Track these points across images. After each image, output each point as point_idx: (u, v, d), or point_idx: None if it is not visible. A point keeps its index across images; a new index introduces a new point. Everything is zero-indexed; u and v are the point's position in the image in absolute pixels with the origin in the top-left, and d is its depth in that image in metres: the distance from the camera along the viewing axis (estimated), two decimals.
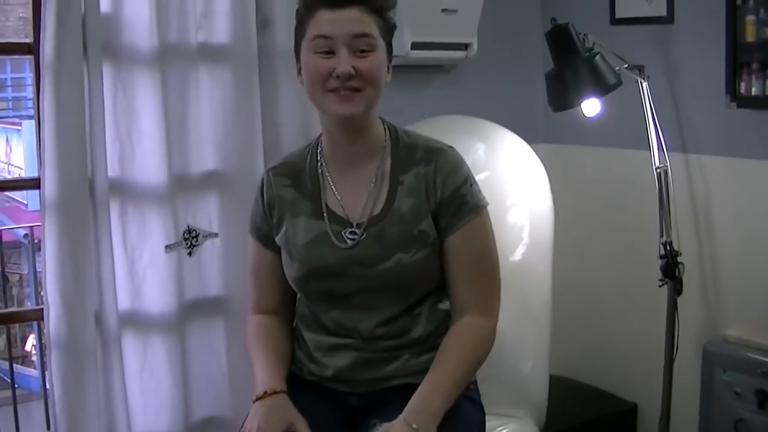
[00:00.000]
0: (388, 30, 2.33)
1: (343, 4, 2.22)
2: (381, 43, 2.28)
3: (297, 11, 2.34)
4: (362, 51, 2.24)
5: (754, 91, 3.36)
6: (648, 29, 3.76)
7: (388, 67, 2.34)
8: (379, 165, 2.38)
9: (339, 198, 2.38)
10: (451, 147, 2.40)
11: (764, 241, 3.44)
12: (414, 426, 2.15)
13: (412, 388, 2.29)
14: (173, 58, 2.98)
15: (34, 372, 10.27)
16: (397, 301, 2.35)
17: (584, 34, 3.24)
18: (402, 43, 3.50)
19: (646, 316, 3.71)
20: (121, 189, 2.95)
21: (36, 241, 7.74)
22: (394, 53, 3.32)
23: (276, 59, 3.11)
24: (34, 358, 10.68)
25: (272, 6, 3.13)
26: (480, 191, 2.39)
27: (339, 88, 2.23)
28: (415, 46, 3.53)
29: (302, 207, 2.40)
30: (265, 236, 2.47)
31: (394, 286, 2.33)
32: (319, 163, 2.43)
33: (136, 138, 2.95)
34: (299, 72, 2.35)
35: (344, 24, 2.22)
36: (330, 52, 2.23)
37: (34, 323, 7.33)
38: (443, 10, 3.54)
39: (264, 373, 2.34)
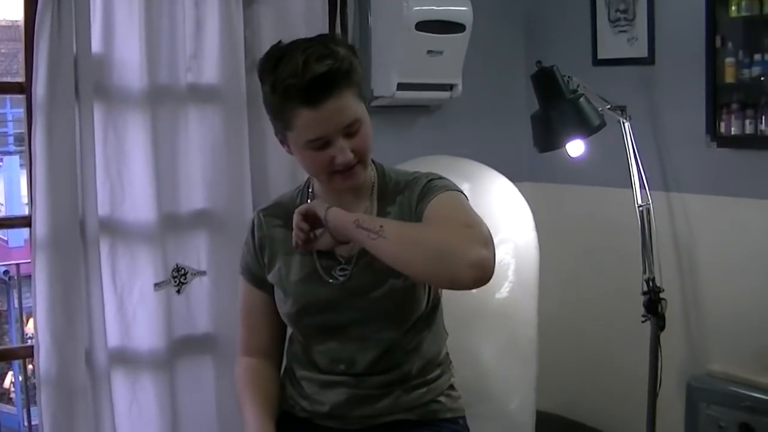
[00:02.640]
0: (363, 86, 2.30)
1: (322, 99, 2.17)
2: (362, 107, 2.27)
3: (264, 95, 2.28)
4: (354, 130, 2.24)
5: (734, 131, 3.43)
6: (630, 70, 3.82)
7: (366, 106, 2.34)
8: (367, 202, 2.41)
9: None
10: (430, 174, 2.42)
11: (745, 277, 3.49)
12: (327, 206, 2.24)
13: (403, 425, 2.31)
14: (163, 99, 3.02)
15: (13, 409, 10.19)
16: (392, 330, 2.37)
17: (568, 76, 3.29)
18: (388, 84, 3.56)
19: (630, 351, 3.74)
20: (112, 228, 2.98)
21: (18, 277, 7.73)
22: (379, 94, 3.38)
23: None
24: (12, 395, 10.59)
25: (261, 48, 3.16)
26: (453, 184, 2.38)
27: (342, 169, 2.26)
28: (401, 86, 3.58)
29: None
30: (255, 276, 2.49)
31: (388, 313, 2.35)
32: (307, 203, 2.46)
33: (127, 177, 2.98)
34: (282, 142, 2.34)
35: (332, 118, 2.19)
36: (325, 144, 2.23)
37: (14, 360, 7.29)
38: (429, 52, 3.58)
39: (254, 420, 2.35)
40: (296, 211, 2.30)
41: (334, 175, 2.26)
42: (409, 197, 2.36)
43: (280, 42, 2.27)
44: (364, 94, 2.30)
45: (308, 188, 2.48)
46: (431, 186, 2.34)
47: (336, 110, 2.18)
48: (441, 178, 2.39)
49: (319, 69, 2.13)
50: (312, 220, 2.28)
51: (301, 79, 2.14)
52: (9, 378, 11.60)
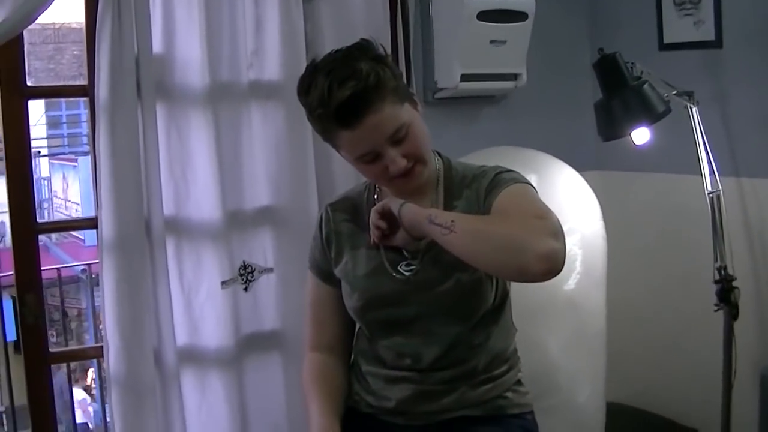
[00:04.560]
0: (401, 88, 2.27)
1: (357, 120, 2.17)
2: (407, 108, 2.25)
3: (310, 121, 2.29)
4: (401, 137, 2.22)
5: None
6: (697, 54, 3.75)
7: (415, 102, 2.32)
8: (433, 196, 2.40)
9: None
10: (498, 167, 2.40)
11: None
12: (402, 202, 2.25)
13: (468, 421, 2.30)
14: (225, 97, 3.03)
15: (95, 405, 10.35)
16: (458, 325, 2.36)
17: (632, 63, 3.24)
18: (452, 75, 3.54)
19: (703, 341, 3.69)
20: (177, 227, 3.00)
21: (94, 276, 7.82)
22: (443, 86, 3.35)
23: None
24: (94, 391, 10.75)
25: (322, 43, 3.17)
26: (521, 176, 2.36)
27: (399, 175, 2.25)
28: (465, 77, 3.56)
29: (362, 240, 2.43)
30: (323, 271, 2.50)
31: (454, 307, 2.34)
32: (376, 198, 2.46)
33: (191, 176, 2.99)
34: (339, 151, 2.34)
35: (373, 134, 2.19)
36: (376, 156, 2.23)
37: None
38: (492, 42, 3.55)
39: (319, 416, 2.35)
40: (373, 209, 2.31)
41: (393, 180, 2.26)
42: (477, 190, 2.35)
43: (314, 60, 2.29)
44: (405, 94, 2.27)
45: (374, 183, 2.48)
46: (499, 179, 2.33)
47: (374, 125, 2.18)
48: (509, 170, 2.37)
49: (343, 94, 2.13)
50: (388, 216, 2.27)
51: (328, 108, 2.16)
52: (91, 374, 11.79)
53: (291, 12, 3.12)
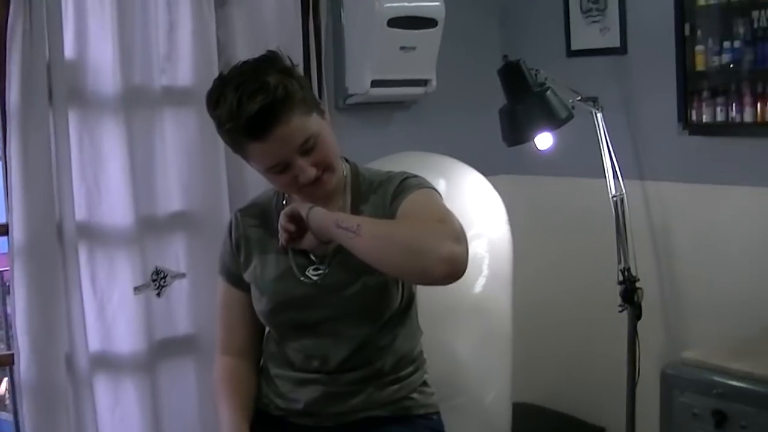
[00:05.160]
0: (309, 99, 2.30)
1: (266, 132, 2.19)
2: (315, 118, 2.28)
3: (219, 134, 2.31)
4: (309, 147, 2.25)
5: (705, 118, 3.46)
6: (603, 60, 3.85)
7: (323, 111, 2.35)
8: (341, 201, 2.43)
9: None
10: (404, 173, 2.44)
11: (720, 263, 3.53)
12: (310, 206, 2.26)
13: (376, 421, 2.35)
14: (138, 102, 3.04)
15: (9, 416, 10.13)
16: (365, 327, 2.39)
17: (536, 70, 3.30)
18: (362, 81, 3.58)
19: (608, 341, 3.77)
20: (89, 232, 2.99)
21: (5, 285, 7.68)
22: (354, 92, 3.39)
23: None
24: (8, 401, 10.52)
25: (234, 49, 3.20)
26: (427, 182, 2.40)
27: (309, 183, 2.28)
28: (375, 83, 3.60)
29: (271, 244, 2.45)
30: (233, 275, 2.52)
31: (361, 309, 2.38)
32: (285, 204, 2.48)
33: (103, 181, 2.99)
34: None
35: (282, 145, 2.21)
36: (286, 166, 2.25)
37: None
38: (402, 48, 3.60)
39: (228, 419, 2.39)
40: (282, 212, 2.32)
41: (302, 188, 2.29)
42: (383, 195, 2.39)
43: (221, 73, 2.32)
44: (313, 105, 2.30)
45: None
46: (405, 184, 2.37)
47: (283, 137, 2.20)
48: (415, 176, 2.41)
49: (252, 108, 2.15)
50: (297, 220, 2.30)
51: (238, 122, 2.18)
52: (4, 384, 11.55)
53: (204, 17, 3.14)
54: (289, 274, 2.40)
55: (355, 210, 2.41)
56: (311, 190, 2.30)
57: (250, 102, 2.16)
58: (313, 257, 2.39)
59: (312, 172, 2.26)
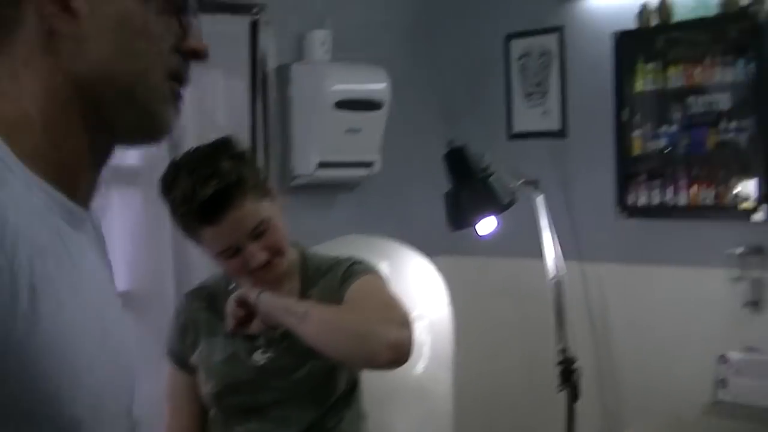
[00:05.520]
0: (261, 185, 2.33)
1: (218, 217, 2.22)
2: (266, 204, 2.31)
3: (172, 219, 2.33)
4: (261, 231, 2.28)
5: (641, 201, 3.56)
6: (544, 143, 3.94)
7: (275, 196, 2.38)
8: (290, 286, 2.46)
9: None
10: (351, 258, 2.49)
11: (656, 342, 3.59)
12: (259, 291, 2.26)
13: None
14: None
15: None
16: (312, 410, 2.40)
17: (481, 154, 3.36)
18: (308, 162, 3.64)
19: (548, 420, 3.77)
20: None
21: None
22: (300, 173, 3.41)
23: None
24: None
25: (182, 130, 3.21)
26: (374, 267, 2.45)
27: (259, 267, 2.31)
28: (321, 165, 3.66)
29: (218, 327, 2.45)
30: (179, 359, 2.51)
31: (308, 393, 2.39)
32: (233, 287, 2.50)
33: None
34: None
35: (234, 230, 2.25)
36: (236, 251, 2.28)
37: None
38: (348, 130, 3.66)
39: None
40: (230, 298, 2.34)
41: (252, 272, 2.32)
42: (332, 280, 2.41)
43: (175, 158, 2.33)
44: (265, 190, 2.33)
45: None
46: (352, 270, 2.41)
47: (236, 221, 2.23)
48: (361, 262, 2.45)
49: (206, 193, 2.19)
50: (245, 305, 2.33)
51: (191, 206, 2.21)
52: None
53: None
54: (236, 358, 2.41)
55: (304, 294, 2.43)
56: (261, 273, 2.32)
57: (204, 187, 2.19)
58: (261, 340, 2.41)
59: (263, 256, 2.29)
